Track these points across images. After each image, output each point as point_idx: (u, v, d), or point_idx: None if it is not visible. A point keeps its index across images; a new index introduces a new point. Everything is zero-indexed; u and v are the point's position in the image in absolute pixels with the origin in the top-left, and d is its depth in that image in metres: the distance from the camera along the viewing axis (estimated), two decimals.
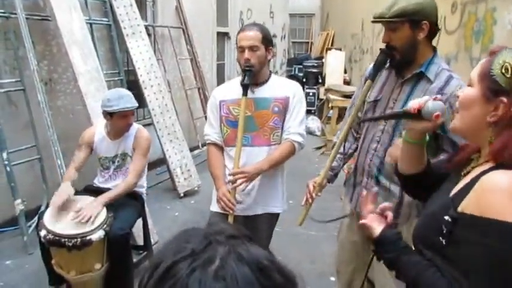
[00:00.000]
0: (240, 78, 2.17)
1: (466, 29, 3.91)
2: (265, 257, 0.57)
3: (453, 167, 1.20)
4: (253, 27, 2.14)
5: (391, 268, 1.16)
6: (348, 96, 6.68)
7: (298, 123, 2.20)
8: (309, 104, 9.95)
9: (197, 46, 6.23)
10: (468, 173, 1.10)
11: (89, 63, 3.75)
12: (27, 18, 3.52)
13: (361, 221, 1.27)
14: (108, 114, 2.61)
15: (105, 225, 2.42)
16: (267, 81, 2.22)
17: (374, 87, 1.93)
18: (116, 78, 4.69)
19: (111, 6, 4.54)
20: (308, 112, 9.49)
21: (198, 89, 6.32)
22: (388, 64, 1.86)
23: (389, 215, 1.26)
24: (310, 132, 7.94)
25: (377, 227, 1.20)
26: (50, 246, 2.37)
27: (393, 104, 1.84)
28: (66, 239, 2.29)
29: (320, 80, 10.06)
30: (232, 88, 2.21)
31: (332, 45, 11.43)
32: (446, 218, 1.02)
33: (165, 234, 3.59)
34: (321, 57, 10.98)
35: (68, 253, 2.32)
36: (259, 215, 2.29)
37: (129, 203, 2.71)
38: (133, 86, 4.80)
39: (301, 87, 2.31)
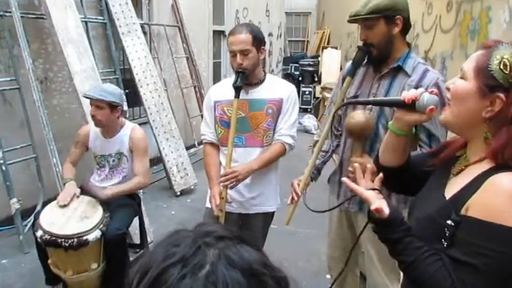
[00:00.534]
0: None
1: (462, 28, 3.93)
2: (256, 260, 0.56)
3: (439, 163, 1.18)
4: (242, 30, 2.10)
5: (389, 247, 1.13)
6: None
7: (290, 126, 2.22)
8: (305, 102, 9.98)
9: (193, 44, 6.22)
10: (461, 171, 1.09)
11: (84, 61, 3.74)
12: (22, 17, 3.50)
13: (360, 192, 1.20)
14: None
15: (101, 225, 2.42)
16: (262, 81, 2.22)
17: (352, 83, 1.99)
18: (112, 77, 4.67)
19: (107, 4, 4.52)
20: (304, 110, 9.53)
21: (194, 87, 6.31)
22: (365, 60, 1.93)
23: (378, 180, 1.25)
24: (306, 131, 7.95)
25: (383, 206, 1.12)
26: (47, 246, 2.37)
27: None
28: (63, 239, 2.29)
29: (316, 79, 10.08)
30: (227, 88, 2.19)
31: (328, 43, 11.43)
32: (449, 222, 1.00)
33: (161, 233, 3.58)
34: (317, 56, 11.00)
35: (64, 253, 2.32)
36: (254, 213, 2.30)
37: (125, 203, 2.71)
38: (129, 84, 4.80)
39: (295, 89, 2.32)
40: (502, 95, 0.98)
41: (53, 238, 2.29)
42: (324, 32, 11.95)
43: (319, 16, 13.32)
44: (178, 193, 4.79)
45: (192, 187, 4.97)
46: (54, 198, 2.59)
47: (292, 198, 2.05)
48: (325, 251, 2.35)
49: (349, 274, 2.25)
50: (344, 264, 1.54)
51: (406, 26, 1.84)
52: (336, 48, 10.07)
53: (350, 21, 1.90)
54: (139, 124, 2.98)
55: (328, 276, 2.58)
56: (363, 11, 1.80)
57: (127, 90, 4.63)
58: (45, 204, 2.56)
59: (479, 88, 1.01)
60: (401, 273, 1.55)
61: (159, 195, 4.77)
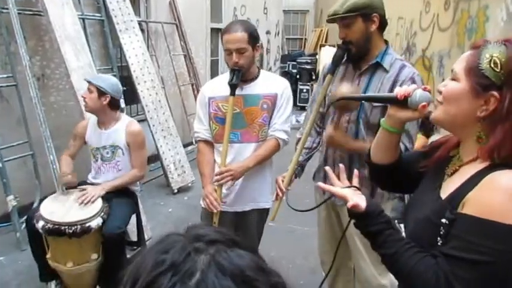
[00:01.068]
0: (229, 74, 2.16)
1: (459, 26, 3.94)
2: (249, 265, 0.54)
3: (433, 164, 1.18)
4: (238, 28, 2.07)
5: (371, 240, 1.14)
6: None
7: (283, 121, 2.23)
8: (302, 100, 9.98)
9: (191, 42, 6.21)
10: (455, 171, 1.08)
11: (81, 58, 3.73)
12: (19, 13, 3.49)
13: (335, 191, 1.23)
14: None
15: (102, 213, 2.47)
16: (256, 77, 2.21)
17: (333, 81, 2.03)
18: (109, 74, 4.65)
19: (104, 1, 4.50)
20: (302, 108, 9.52)
21: (192, 85, 6.30)
22: (345, 58, 1.98)
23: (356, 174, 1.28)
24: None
25: (359, 201, 1.15)
26: (49, 235, 2.39)
27: None
28: (66, 227, 2.32)
29: (314, 77, 10.07)
30: (221, 84, 2.18)
31: (326, 41, 11.43)
32: (444, 220, 1.00)
33: (158, 230, 3.59)
34: (314, 54, 10.99)
35: (66, 242, 2.35)
36: (249, 211, 2.31)
37: (123, 201, 2.71)
38: (127, 81, 4.78)
39: (289, 85, 2.32)
40: (496, 93, 0.98)
41: (56, 226, 2.33)
42: (321, 30, 11.95)
43: (317, 14, 13.31)
44: (176, 191, 4.79)
45: (190, 185, 4.97)
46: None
47: (277, 195, 2.07)
48: (317, 246, 2.36)
49: (342, 268, 2.29)
50: (333, 257, 1.55)
51: (383, 23, 1.91)
52: (334, 46, 10.04)
53: (329, 21, 1.95)
54: (137, 122, 2.97)
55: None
56: (341, 10, 1.86)
57: (124, 88, 4.60)
58: (42, 201, 2.55)
59: (472, 88, 1.01)
60: None
61: (157, 193, 4.77)
